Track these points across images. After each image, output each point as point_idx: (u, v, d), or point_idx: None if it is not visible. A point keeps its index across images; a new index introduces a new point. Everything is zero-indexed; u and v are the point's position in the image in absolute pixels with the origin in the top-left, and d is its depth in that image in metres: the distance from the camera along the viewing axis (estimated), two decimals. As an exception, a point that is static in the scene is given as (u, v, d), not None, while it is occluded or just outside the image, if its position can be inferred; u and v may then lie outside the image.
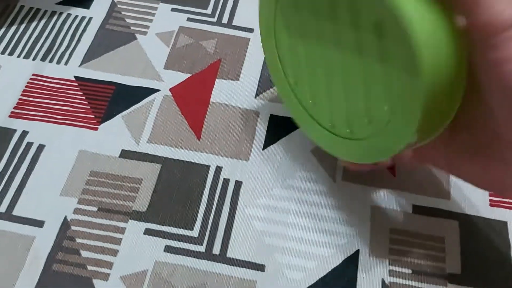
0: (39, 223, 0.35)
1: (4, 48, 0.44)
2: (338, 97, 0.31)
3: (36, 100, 0.41)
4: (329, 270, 0.34)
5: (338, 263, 0.35)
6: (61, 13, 0.47)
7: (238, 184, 0.38)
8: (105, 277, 0.33)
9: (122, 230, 0.35)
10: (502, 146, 0.27)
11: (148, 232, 0.35)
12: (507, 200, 0.37)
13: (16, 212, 0.35)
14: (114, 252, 0.34)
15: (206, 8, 0.48)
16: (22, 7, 0.47)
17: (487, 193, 0.38)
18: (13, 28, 0.45)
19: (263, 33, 0.35)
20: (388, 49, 0.25)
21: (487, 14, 0.22)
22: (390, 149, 0.27)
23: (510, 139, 0.26)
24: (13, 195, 0.36)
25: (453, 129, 0.29)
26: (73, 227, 0.35)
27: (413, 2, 0.23)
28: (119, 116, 0.40)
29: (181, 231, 0.35)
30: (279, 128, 0.40)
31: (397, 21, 0.23)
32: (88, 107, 0.41)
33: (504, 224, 0.36)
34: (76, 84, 0.42)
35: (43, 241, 0.34)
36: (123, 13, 0.47)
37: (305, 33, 0.31)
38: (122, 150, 0.39)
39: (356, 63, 0.28)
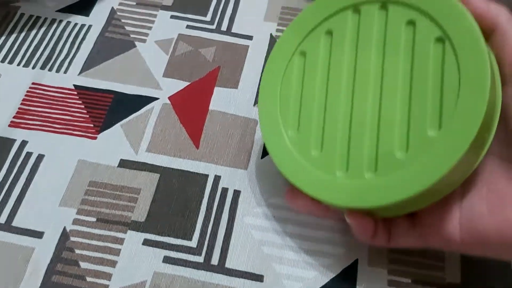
0: (38, 234, 0.35)
1: (4, 56, 0.44)
2: (361, 136, 0.30)
3: (35, 109, 0.41)
4: (328, 280, 0.34)
5: (337, 273, 0.35)
6: (61, 21, 0.47)
7: (236, 193, 0.38)
8: (104, 288, 0.34)
9: (121, 241, 0.35)
10: None
11: (146, 242, 0.35)
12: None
13: (15, 223, 0.36)
14: (113, 263, 0.34)
15: (205, 15, 0.48)
16: (22, 14, 0.47)
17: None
18: (13, 36, 0.45)
19: (264, 83, 0.35)
20: (447, 68, 0.28)
21: None
22: (437, 171, 0.27)
23: None
24: (13, 206, 0.36)
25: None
26: (72, 238, 0.35)
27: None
28: (118, 125, 0.40)
29: (179, 242, 0.35)
30: (278, 136, 0.40)
31: (468, 31, 0.27)
32: (87, 116, 0.41)
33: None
34: (75, 92, 0.42)
35: (43, 252, 0.35)
36: (122, 20, 0.47)
37: (331, 73, 0.32)
38: (121, 159, 0.39)
39: (399, 91, 0.29)
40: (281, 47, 0.35)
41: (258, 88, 0.43)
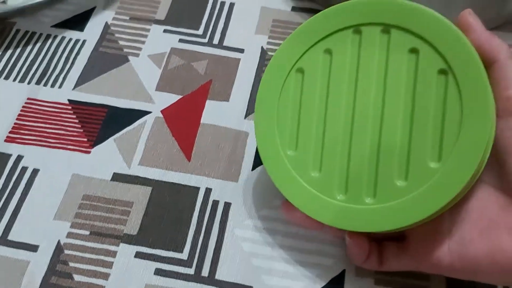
0: (33, 248, 0.36)
1: (0, 72, 0.45)
2: (361, 161, 0.31)
3: (30, 124, 0.42)
4: (316, 290, 0.35)
5: (325, 283, 0.36)
6: (56, 36, 0.48)
7: (227, 205, 0.39)
8: (97, 300, 0.35)
9: (113, 254, 0.36)
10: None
11: (139, 255, 0.36)
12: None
13: (11, 237, 0.36)
14: (106, 276, 0.35)
15: (197, 29, 0.49)
16: (18, 30, 0.48)
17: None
18: (9, 52, 0.46)
19: (260, 101, 0.35)
20: (450, 101, 0.29)
21: None
22: (438, 202, 0.28)
23: None
24: (9, 220, 0.37)
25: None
26: (66, 251, 0.36)
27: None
28: (111, 139, 0.41)
29: (171, 254, 0.36)
30: (268, 149, 0.41)
31: (472, 66, 0.28)
32: (81, 130, 0.42)
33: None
34: (70, 107, 0.43)
35: (38, 265, 0.35)
36: (116, 35, 0.48)
37: (330, 94, 0.32)
38: (114, 173, 0.40)
39: (400, 119, 0.30)
40: (277, 63, 0.34)
41: (249, 101, 0.44)
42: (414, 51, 0.30)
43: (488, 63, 0.30)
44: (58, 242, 0.36)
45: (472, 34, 0.30)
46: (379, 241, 0.34)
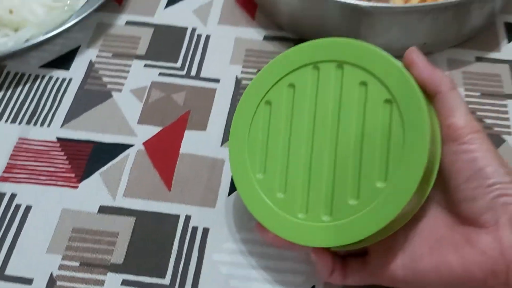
0: (28, 281, 0.39)
1: (-7, 114, 0.48)
2: (319, 182, 0.35)
3: (22, 163, 0.45)
4: (288, 307, 0.38)
5: (297, 299, 0.39)
6: (44, 76, 0.51)
7: (205, 231, 0.42)
8: (88, 327, 0.38)
9: (101, 283, 0.39)
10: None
11: (125, 282, 0.39)
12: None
13: (8, 271, 0.40)
14: (95, 304, 0.38)
15: (176, 62, 0.52)
16: (8, 72, 0.51)
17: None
18: (1, 94, 0.50)
19: (234, 130, 0.38)
20: (394, 128, 0.32)
21: (463, 120, 0.32)
22: (383, 219, 0.32)
23: (470, 212, 0.32)
24: (5, 255, 0.40)
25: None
26: (58, 283, 0.39)
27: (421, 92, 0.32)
28: (97, 173, 0.45)
29: (154, 280, 0.39)
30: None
31: (412, 96, 0.32)
32: (69, 166, 0.45)
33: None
34: (58, 144, 0.46)
35: (32, 297, 0.39)
36: (100, 72, 0.51)
37: (293, 122, 0.36)
38: (100, 205, 0.43)
39: (352, 143, 0.34)
40: (249, 95, 0.38)
41: (225, 129, 0.47)
42: (363, 83, 0.34)
43: (432, 94, 0.33)
44: (51, 274, 0.40)
45: (416, 69, 0.33)
46: (343, 257, 0.37)
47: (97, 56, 0.53)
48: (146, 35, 0.55)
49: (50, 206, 0.43)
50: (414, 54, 0.34)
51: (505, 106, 0.48)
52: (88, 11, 0.52)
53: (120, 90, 0.50)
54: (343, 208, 0.33)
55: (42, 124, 0.48)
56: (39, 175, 0.45)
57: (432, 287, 0.33)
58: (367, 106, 0.33)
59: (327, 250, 0.36)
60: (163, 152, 0.46)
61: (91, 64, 0.52)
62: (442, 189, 0.34)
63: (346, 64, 0.34)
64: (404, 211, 0.32)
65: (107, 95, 0.50)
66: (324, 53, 0.35)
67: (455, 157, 0.32)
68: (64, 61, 0.52)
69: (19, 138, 0.47)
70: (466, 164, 0.32)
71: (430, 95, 0.33)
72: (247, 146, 0.37)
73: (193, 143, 0.46)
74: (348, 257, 0.37)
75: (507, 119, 0.48)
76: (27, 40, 0.51)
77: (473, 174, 0.31)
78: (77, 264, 0.40)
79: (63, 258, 0.40)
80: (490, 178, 0.31)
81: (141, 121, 0.48)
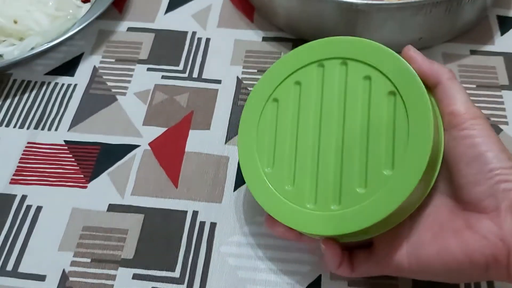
0: (41, 278, 0.40)
1: (1, 120, 0.50)
2: (327, 173, 0.36)
3: (32, 166, 0.46)
4: (296, 295, 0.39)
5: (304, 288, 0.40)
6: (49, 83, 0.52)
7: (213, 225, 0.43)
8: (101, 320, 0.39)
9: (113, 277, 0.40)
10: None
11: (136, 276, 0.40)
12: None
13: (21, 269, 0.41)
14: (107, 298, 0.39)
15: (178, 65, 0.54)
16: (15, 80, 0.53)
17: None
18: (8, 101, 0.51)
19: (242, 127, 0.40)
20: (398, 118, 0.34)
21: (464, 106, 0.33)
22: (391, 205, 0.33)
23: (471, 197, 0.32)
24: (18, 254, 0.41)
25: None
26: (71, 278, 0.40)
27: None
28: (105, 173, 0.46)
29: (164, 273, 0.40)
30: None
31: (414, 87, 0.33)
32: (78, 167, 0.46)
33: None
34: (66, 147, 0.48)
35: (46, 293, 0.40)
36: (104, 77, 0.53)
37: (300, 118, 0.38)
38: (109, 204, 0.44)
39: (358, 134, 0.35)
40: (256, 95, 0.40)
41: (228, 127, 0.48)
42: (367, 78, 0.35)
43: (432, 86, 0.35)
44: (63, 270, 0.41)
45: (415, 63, 0.35)
46: (350, 249, 0.38)
47: (101, 62, 0.54)
48: (147, 40, 0.56)
49: (60, 206, 0.44)
50: (412, 50, 0.35)
51: (500, 97, 0.50)
52: (90, 19, 0.53)
53: (124, 94, 0.51)
54: (351, 196, 0.34)
55: (49, 129, 0.49)
56: (49, 176, 0.46)
57: (436, 276, 0.34)
58: (372, 98, 0.35)
59: (336, 241, 0.37)
60: (169, 151, 0.47)
61: (95, 69, 0.53)
62: (446, 177, 0.35)
63: (350, 60, 0.36)
64: (411, 198, 0.33)
65: (112, 99, 0.51)
66: (328, 51, 0.37)
67: (456, 142, 0.33)
68: (68, 67, 0.54)
69: (28, 142, 0.48)
70: (467, 149, 0.32)
71: (430, 86, 0.35)
72: (256, 142, 0.39)
73: (197, 141, 0.48)
74: (354, 249, 0.38)
75: (503, 109, 0.49)
76: (32, 49, 0.52)
77: (473, 159, 0.32)
78: (89, 260, 0.41)
79: (75, 255, 0.41)
80: (490, 163, 0.32)
81: (146, 122, 0.49)
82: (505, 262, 0.30)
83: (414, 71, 0.34)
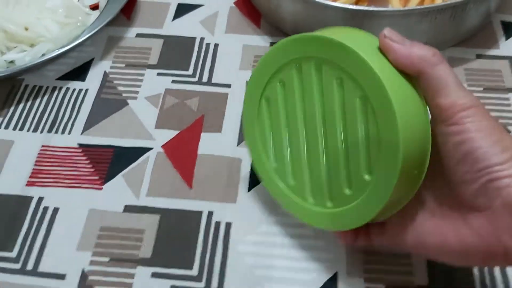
0: (61, 276, 0.41)
1: (15, 125, 0.50)
2: (319, 172, 0.37)
3: (47, 168, 0.47)
4: (313, 292, 0.40)
5: (320, 285, 0.40)
6: (61, 88, 0.53)
7: (228, 225, 0.44)
8: (122, 318, 0.39)
9: (132, 276, 0.41)
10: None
11: (154, 275, 0.41)
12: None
13: (41, 268, 0.41)
14: (127, 296, 0.40)
15: (187, 70, 0.55)
16: (26, 86, 0.53)
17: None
18: (21, 106, 0.52)
19: (247, 126, 0.41)
20: (370, 124, 0.33)
21: (450, 98, 0.31)
22: (374, 208, 0.33)
23: (464, 195, 0.32)
24: (37, 254, 0.42)
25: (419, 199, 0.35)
26: (90, 277, 0.41)
27: (395, 83, 0.31)
28: (119, 175, 0.46)
29: (182, 271, 0.41)
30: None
31: (382, 95, 0.31)
32: (93, 170, 0.47)
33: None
34: (80, 150, 0.48)
35: (66, 292, 0.40)
36: (115, 82, 0.54)
37: (289, 118, 0.38)
38: (125, 205, 0.45)
39: (339, 138, 0.35)
40: (250, 94, 0.40)
41: (240, 130, 0.49)
42: (340, 81, 0.33)
43: (416, 75, 0.31)
44: (83, 270, 0.41)
45: (392, 55, 0.31)
46: None
47: (111, 67, 0.55)
48: (156, 45, 0.57)
49: (77, 207, 0.45)
50: (387, 39, 0.31)
51: (507, 99, 0.51)
52: (99, 26, 0.54)
53: (135, 98, 0.52)
54: (341, 196, 0.36)
55: (63, 132, 0.50)
56: (64, 178, 0.46)
57: (442, 260, 0.35)
58: (346, 103, 0.34)
59: None
60: (182, 154, 0.48)
61: (105, 74, 0.54)
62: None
63: (324, 62, 0.34)
64: (396, 197, 0.33)
65: (123, 103, 0.52)
66: (304, 50, 0.35)
67: (445, 138, 0.31)
68: (79, 73, 0.55)
69: (42, 146, 0.49)
70: (456, 147, 0.31)
71: (414, 76, 0.32)
72: (259, 138, 0.40)
73: (210, 144, 0.49)
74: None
75: (510, 111, 0.51)
76: (43, 55, 0.53)
77: (463, 157, 0.31)
78: (107, 259, 0.42)
79: (93, 255, 0.42)
80: (480, 162, 0.30)
81: (158, 126, 0.50)
82: (502, 258, 0.30)
83: (380, 77, 0.30)
